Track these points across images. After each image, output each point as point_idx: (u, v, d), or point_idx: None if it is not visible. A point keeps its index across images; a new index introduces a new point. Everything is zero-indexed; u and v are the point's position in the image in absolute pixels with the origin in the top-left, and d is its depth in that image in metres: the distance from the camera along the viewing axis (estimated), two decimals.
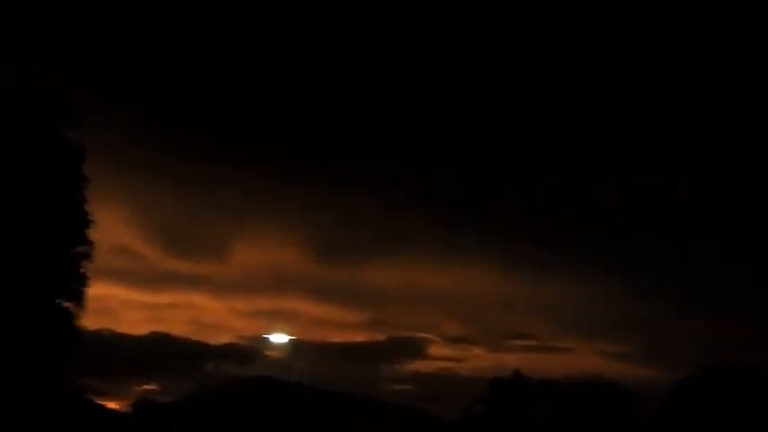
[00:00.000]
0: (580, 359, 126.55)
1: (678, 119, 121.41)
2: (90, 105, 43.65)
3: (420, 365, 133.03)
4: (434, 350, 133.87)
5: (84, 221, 41.25)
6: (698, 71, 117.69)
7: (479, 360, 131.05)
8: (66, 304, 40.89)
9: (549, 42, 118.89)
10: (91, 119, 43.32)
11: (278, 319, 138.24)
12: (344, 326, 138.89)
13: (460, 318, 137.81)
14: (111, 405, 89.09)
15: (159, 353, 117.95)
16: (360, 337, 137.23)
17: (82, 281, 41.25)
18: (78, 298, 41.06)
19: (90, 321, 45.37)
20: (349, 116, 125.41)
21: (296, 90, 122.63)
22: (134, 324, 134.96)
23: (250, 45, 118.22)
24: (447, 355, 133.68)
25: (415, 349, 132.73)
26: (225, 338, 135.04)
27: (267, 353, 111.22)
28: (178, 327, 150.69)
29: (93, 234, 41.80)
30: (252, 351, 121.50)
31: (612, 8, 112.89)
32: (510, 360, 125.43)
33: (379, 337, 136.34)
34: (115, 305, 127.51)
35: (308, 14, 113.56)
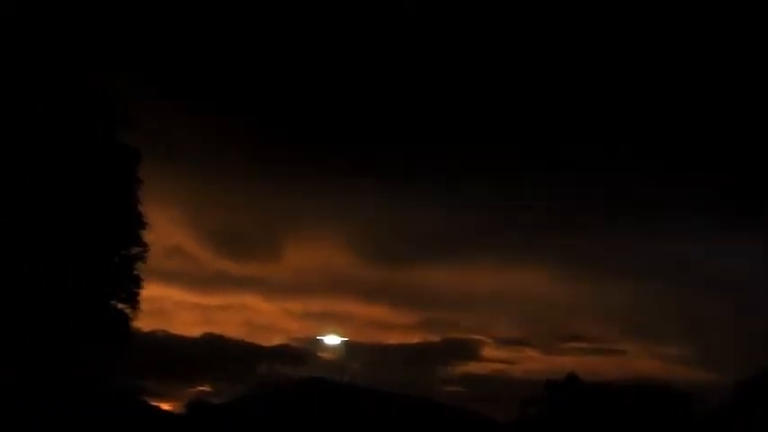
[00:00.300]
0: (635, 361, 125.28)
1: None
2: (141, 106, 43.59)
3: (473, 367, 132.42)
4: (488, 352, 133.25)
5: (139, 223, 41.24)
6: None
7: (533, 362, 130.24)
8: (121, 306, 40.86)
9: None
10: (142, 119, 43.33)
11: (331, 320, 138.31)
12: (397, 327, 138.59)
13: (514, 319, 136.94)
14: (165, 406, 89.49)
15: (212, 354, 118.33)
16: (413, 339, 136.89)
17: (136, 282, 41.23)
18: (132, 299, 41.03)
19: (144, 323, 45.41)
20: (402, 120, 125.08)
21: (348, 92, 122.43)
22: (187, 325, 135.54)
23: (296, 47, 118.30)
24: (500, 357, 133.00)
25: (468, 351, 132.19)
26: (278, 340, 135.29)
27: (320, 354, 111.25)
28: (231, 328, 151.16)
29: (147, 235, 41.78)
30: (305, 352, 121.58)
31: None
32: (564, 362, 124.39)
33: (433, 338, 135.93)
34: (169, 306, 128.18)
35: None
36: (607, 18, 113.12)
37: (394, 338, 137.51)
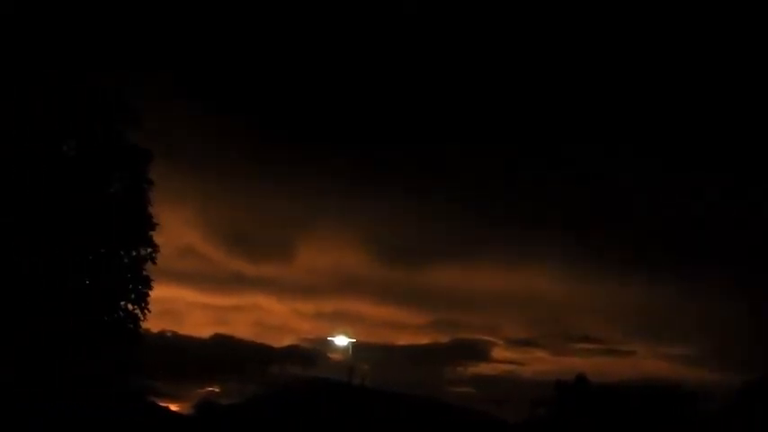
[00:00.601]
0: (643, 362, 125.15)
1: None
2: (152, 106, 43.60)
3: (483, 368, 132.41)
4: (497, 353, 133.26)
5: (149, 224, 41.23)
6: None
7: (542, 363, 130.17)
8: (131, 306, 40.85)
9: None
10: (154, 120, 43.31)
11: (341, 321, 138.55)
12: (408, 328, 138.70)
13: (524, 320, 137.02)
14: (174, 407, 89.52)
15: (222, 355, 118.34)
16: (423, 340, 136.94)
17: (146, 283, 41.21)
18: (142, 300, 41.02)
19: (154, 323, 45.48)
20: (410, 122, 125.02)
21: (363, 94, 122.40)
22: (198, 326, 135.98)
23: (307, 47, 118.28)
24: (510, 358, 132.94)
25: (477, 352, 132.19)
26: (288, 340, 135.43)
27: (330, 355, 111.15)
28: (242, 329, 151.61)
29: (159, 236, 41.77)
30: (315, 353, 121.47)
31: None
32: (573, 363, 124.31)
33: (443, 339, 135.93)
34: (180, 307, 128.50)
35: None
36: (606, 19, 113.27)
37: (404, 339, 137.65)
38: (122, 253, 40.72)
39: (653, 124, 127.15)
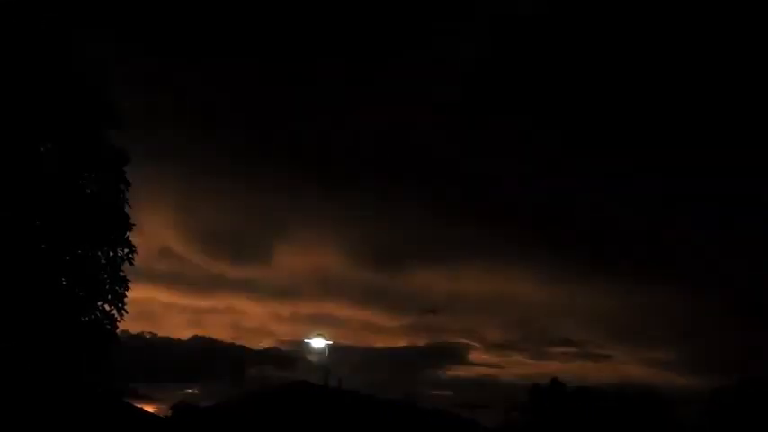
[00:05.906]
0: (621, 366, 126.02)
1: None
2: (135, 107, 43.63)
3: (460, 371, 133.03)
4: (475, 356, 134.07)
5: (126, 224, 41.24)
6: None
7: (520, 367, 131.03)
8: (108, 307, 40.85)
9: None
10: (135, 121, 43.32)
11: (320, 323, 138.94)
12: (386, 331, 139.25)
13: (502, 324, 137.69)
14: (151, 409, 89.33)
15: (200, 357, 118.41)
16: (401, 343, 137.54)
17: (123, 284, 41.19)
18: (119, 301, 41.01)
19: (133, 325, 45.55)
20: (401, 125, 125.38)
21: (342, 93, 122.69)
22: (177, 328, 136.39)
23: (293, 54, 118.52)
24: (488, 361, 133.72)
25: (456, 355, 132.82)
26: (266, 343, 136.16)
27: (308, 357, 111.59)
28: (220, 331, 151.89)
29: (137, 237, 41.83)
30: (293, 355, 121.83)
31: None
32: (551, 367, 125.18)
33: (421, 342, 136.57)
34: (158, 308, 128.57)
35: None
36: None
37: (382, 342, 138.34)
38: (99, 253, 40.76)
39: (624, 136, 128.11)
